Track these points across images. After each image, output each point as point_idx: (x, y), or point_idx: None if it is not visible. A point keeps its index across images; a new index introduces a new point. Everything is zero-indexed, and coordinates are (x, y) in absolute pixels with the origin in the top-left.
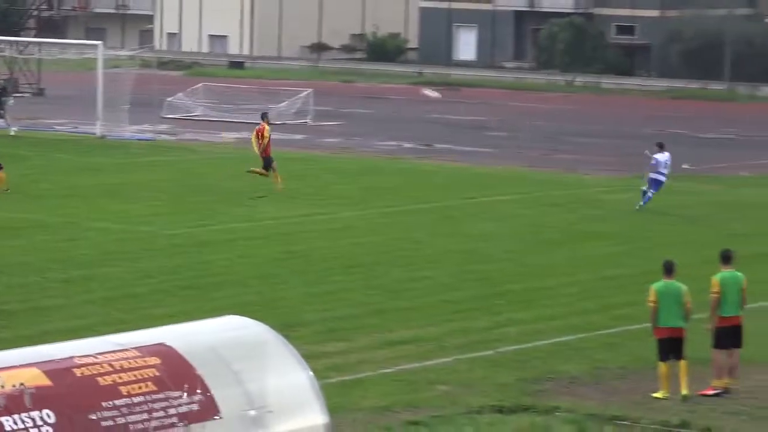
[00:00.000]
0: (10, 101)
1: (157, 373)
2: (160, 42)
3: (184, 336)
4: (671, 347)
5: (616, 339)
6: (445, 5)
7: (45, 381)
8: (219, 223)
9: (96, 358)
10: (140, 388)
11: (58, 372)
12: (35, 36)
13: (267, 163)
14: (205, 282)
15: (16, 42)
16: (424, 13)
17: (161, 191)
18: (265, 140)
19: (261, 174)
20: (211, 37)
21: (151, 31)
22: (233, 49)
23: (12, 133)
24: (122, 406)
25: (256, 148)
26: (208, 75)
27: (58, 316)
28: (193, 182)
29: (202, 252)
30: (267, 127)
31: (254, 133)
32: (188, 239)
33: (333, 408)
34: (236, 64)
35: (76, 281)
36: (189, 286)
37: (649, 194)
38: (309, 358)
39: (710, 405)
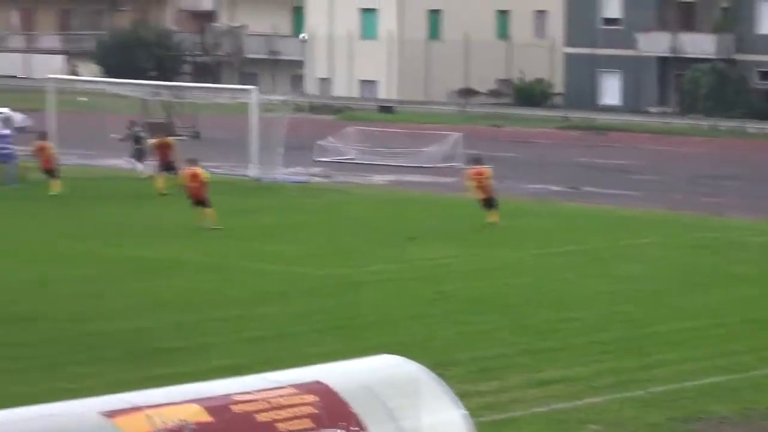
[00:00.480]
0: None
1: (314, 410)
2: (311, 87)
3: (339, 374)
4: None
5: (765, 380)
6: (588, 51)
7: (205, 417)
8: (371, 263)
9: (253, 395)
10: (297, 424)
11: (218, 408)
12: (191, 81)
13: (489, 204)
14: (357, 322)
15: (173, 86)
16: (569, 59)
17: (314, 232)
18: (486, 181)
19: (493, 215)
20: (362, 81)
21: (301, 76)
22: (383, 93)
23: (143, 177)
24: None
25: (477, 194)
26: (358, 119)
27: (216, 354)
28: (346, 223)
29: (355, 292)
30: (486, 169)
31: (470, 176)
32: (341, 279)
33: None
34: (386, 109)
35: (232, 320)
36: (342, 326)
37: None
38: (461, 396)
39: None
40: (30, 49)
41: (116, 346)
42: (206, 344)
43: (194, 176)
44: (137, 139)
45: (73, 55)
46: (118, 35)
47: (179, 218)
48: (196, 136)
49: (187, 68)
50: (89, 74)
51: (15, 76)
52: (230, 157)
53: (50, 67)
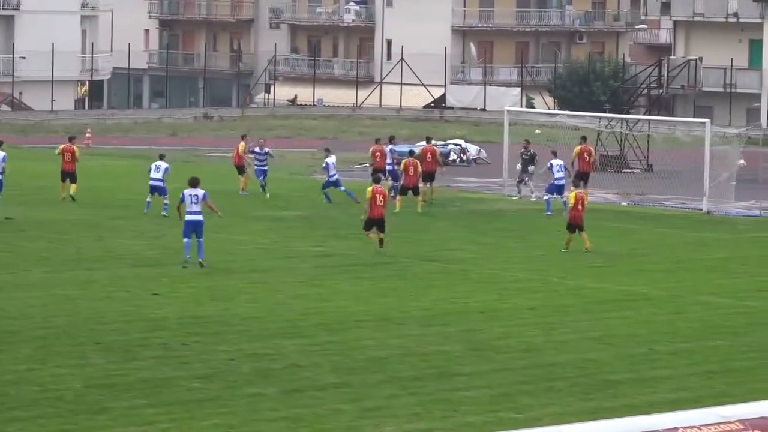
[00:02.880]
0: (531, 168)
1: None
2: (766, 119)
3: None
4: None
5: None
6: None
7: None
8: None
9: (699, 429)
10: None
11: None
12: (644, 113)
13: None
14: None
15: (627, 119)
16: None
17: (766, 266)
18: None
19: None
20: None
21: (757, 110)
22: None
23: (533, 199)
24: None
25: None
26: None
27: (663, 387)
28: None
29: None
30: None
31: None
32: None
33: None
34: None
35: (681, 353)
36: None
37: None
38: None
39: None
40: (487, 82)
41: (564, 378)
42: (654, 377)
43: (581, 200)
44: (528, 162)
45: (528, 87)
46: (574, 68)
47: (630, 252)
48: (648, 168)
49: (641, 101)
50: (544, 107)
51: (475, 109)
52: (682, 189)
53: (506, 100)
